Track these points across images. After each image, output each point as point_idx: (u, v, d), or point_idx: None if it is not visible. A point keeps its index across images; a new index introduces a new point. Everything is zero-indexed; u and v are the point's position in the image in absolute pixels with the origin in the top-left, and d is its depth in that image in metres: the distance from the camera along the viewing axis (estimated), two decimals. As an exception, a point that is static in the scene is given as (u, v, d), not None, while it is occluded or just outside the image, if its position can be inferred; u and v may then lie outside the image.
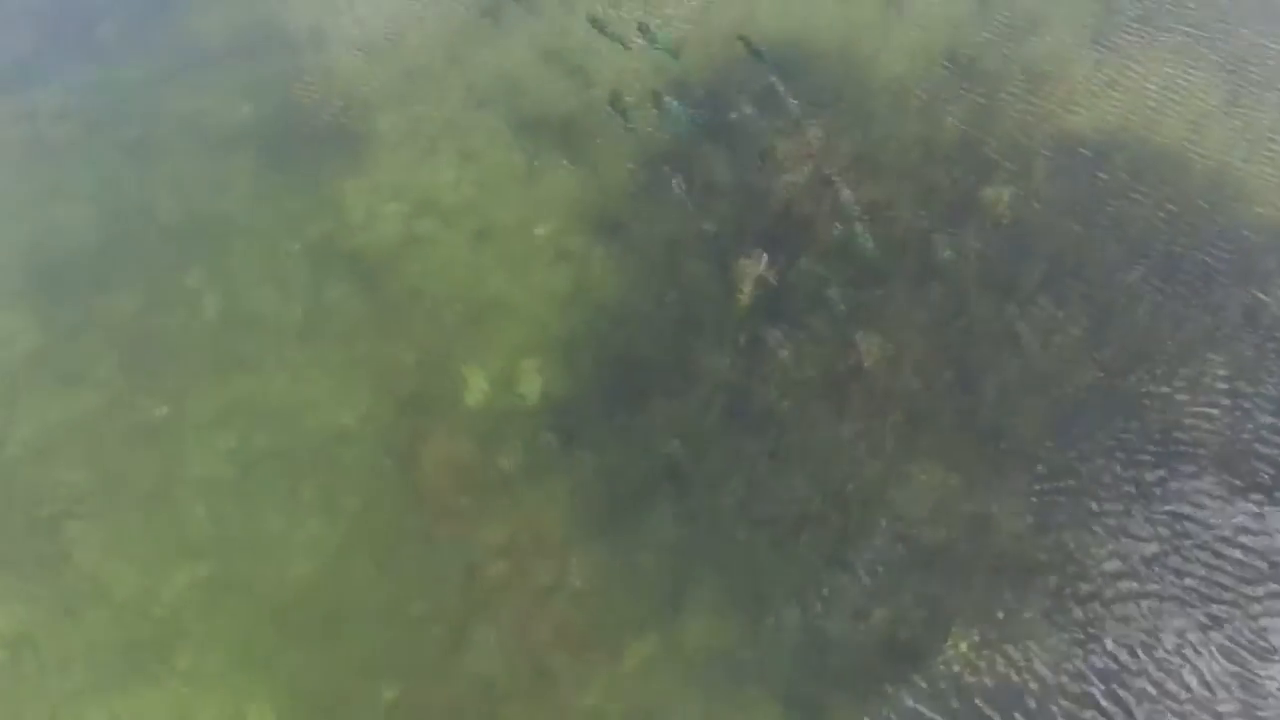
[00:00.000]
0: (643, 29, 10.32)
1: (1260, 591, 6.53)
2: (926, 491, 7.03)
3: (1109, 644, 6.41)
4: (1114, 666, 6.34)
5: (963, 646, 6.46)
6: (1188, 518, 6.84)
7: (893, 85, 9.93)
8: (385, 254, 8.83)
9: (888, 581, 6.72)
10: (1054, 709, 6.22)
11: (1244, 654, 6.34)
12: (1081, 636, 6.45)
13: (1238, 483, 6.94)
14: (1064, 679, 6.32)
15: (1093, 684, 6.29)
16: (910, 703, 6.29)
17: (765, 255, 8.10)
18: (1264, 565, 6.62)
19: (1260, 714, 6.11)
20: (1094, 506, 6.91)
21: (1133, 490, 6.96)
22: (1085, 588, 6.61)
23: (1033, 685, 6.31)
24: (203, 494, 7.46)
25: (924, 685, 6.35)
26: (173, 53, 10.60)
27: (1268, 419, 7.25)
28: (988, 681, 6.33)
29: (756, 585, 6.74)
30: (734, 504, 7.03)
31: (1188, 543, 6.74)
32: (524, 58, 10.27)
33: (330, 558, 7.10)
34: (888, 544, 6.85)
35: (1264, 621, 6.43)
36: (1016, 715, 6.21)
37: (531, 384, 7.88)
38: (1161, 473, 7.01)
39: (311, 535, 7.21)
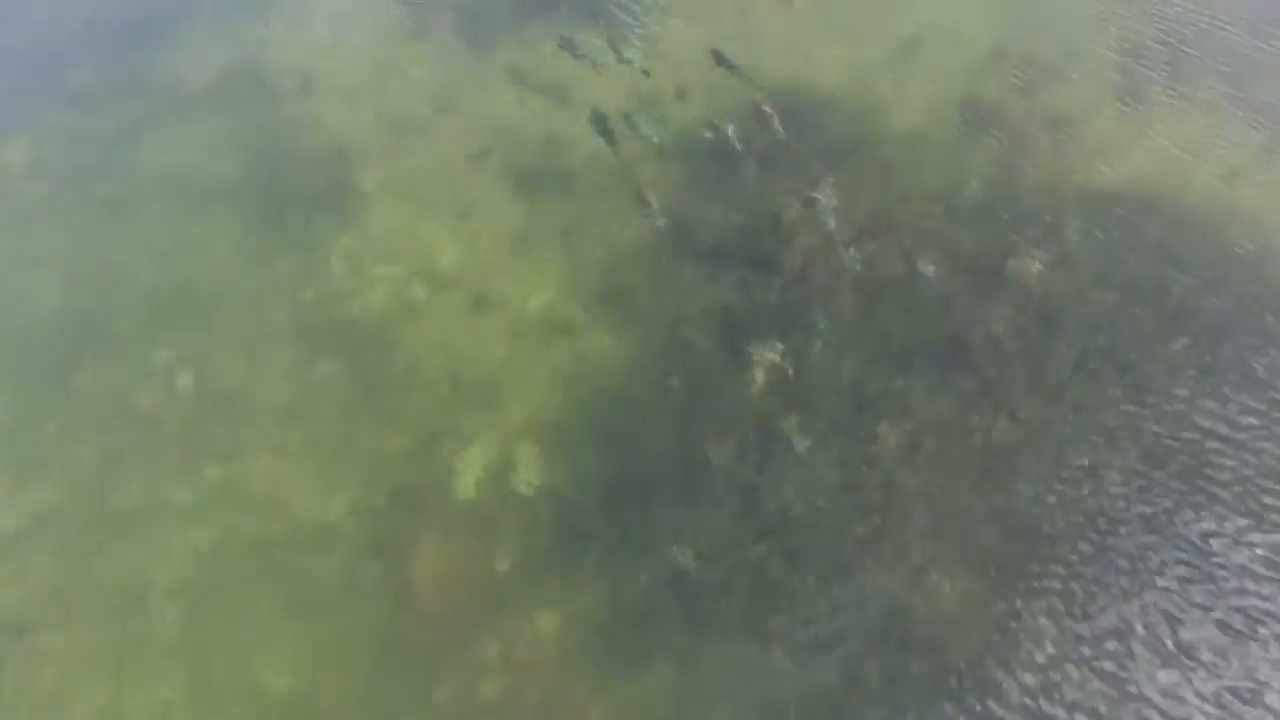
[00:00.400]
0: (646, 73, 9.79)
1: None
2: (952, 601, 6.51)
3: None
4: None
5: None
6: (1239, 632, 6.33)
7: (909, 136, 9.39)
8: (376, 325, 8.31)
9: (913, 702, 6.20)
10: None
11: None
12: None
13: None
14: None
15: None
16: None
17: (780, 344, 7.55)
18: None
19: None
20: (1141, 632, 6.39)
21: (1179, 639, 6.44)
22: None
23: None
24: (174, 598, 6.95)
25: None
26: (151, 99, 10.06)
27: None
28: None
29: (768, 712, 6.23)
30: (744, 618, 6.51)
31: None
32: (520, 106, 9.73)
33: (310, 672, 6.58)
34: (912, 662, 6.33)
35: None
36: None
37: (529, 473, 7.36)
38: (1212, 586, 6.49)
39: (291, 646, 6.69)
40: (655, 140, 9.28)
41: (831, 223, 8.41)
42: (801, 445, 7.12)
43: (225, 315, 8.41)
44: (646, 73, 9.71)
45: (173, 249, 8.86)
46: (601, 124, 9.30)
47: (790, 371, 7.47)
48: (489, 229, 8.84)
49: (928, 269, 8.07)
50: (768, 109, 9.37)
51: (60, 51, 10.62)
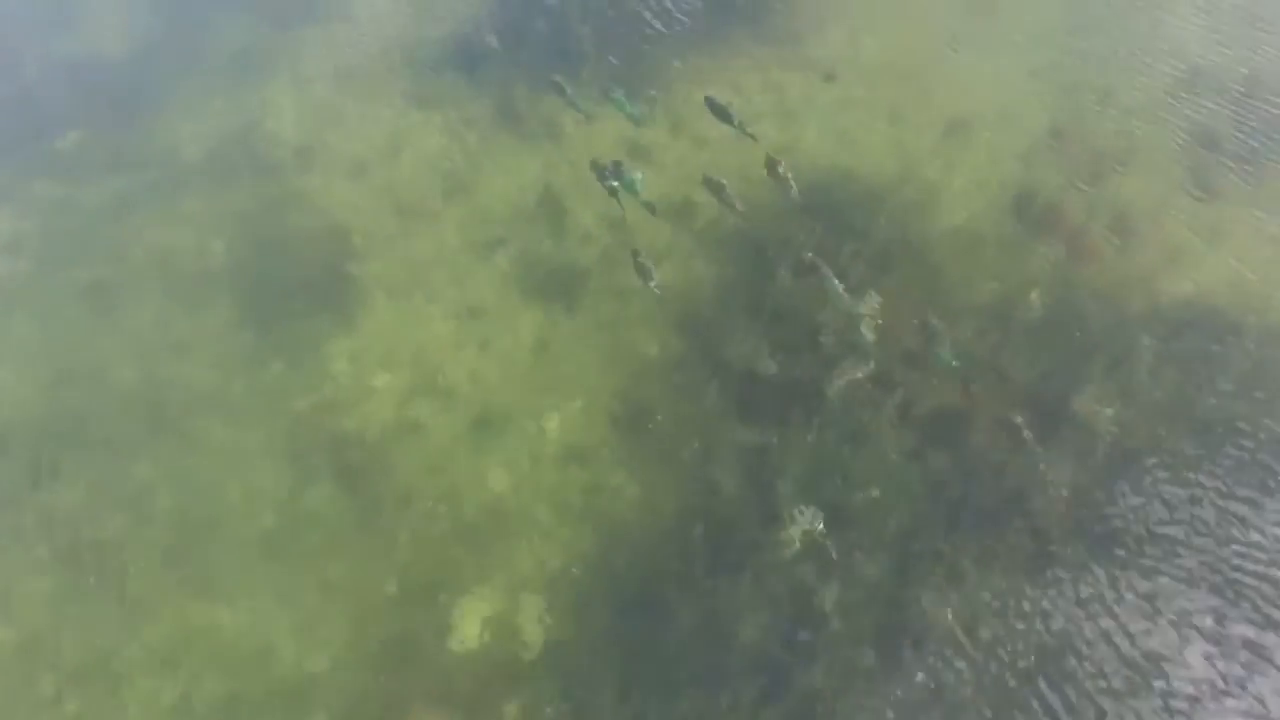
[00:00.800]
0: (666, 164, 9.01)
1: None
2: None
3: None
4: None
5: None
6: None
7: (959, 237, 8.58)
8: (373, 444, 7.61)
9: None
10: None
11: None
12: None
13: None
14: None
15: None
16: None
17: (816, 495, 6.78)
18: None
19: None
20: None
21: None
22: None
23: None
24: (138, 768, 6.28)
25: None
26: (142, 170, 9.39)
27: None
28: None
29: None
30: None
31: None
32: (536, 190, 8.98)
33: None
34: None
35: None
36: None
37: (532, 631, 6.64)
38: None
39: (263, 836, 6.01)
40: (684, 239, 8.51)
41: (874, 343, 7.62)
42: (837, 620, 6.35)
43: (210, 426, 7.73)
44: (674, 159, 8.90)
45: (157, 345, 8.19)
46: (623, 214, 8.53)
47: (825, 529, 6.69)
48: (499, 334, 8.11)
49: (982, 404, 7.27)
50: (782, 169, 8.47)
51: (49, 112, 9.97)
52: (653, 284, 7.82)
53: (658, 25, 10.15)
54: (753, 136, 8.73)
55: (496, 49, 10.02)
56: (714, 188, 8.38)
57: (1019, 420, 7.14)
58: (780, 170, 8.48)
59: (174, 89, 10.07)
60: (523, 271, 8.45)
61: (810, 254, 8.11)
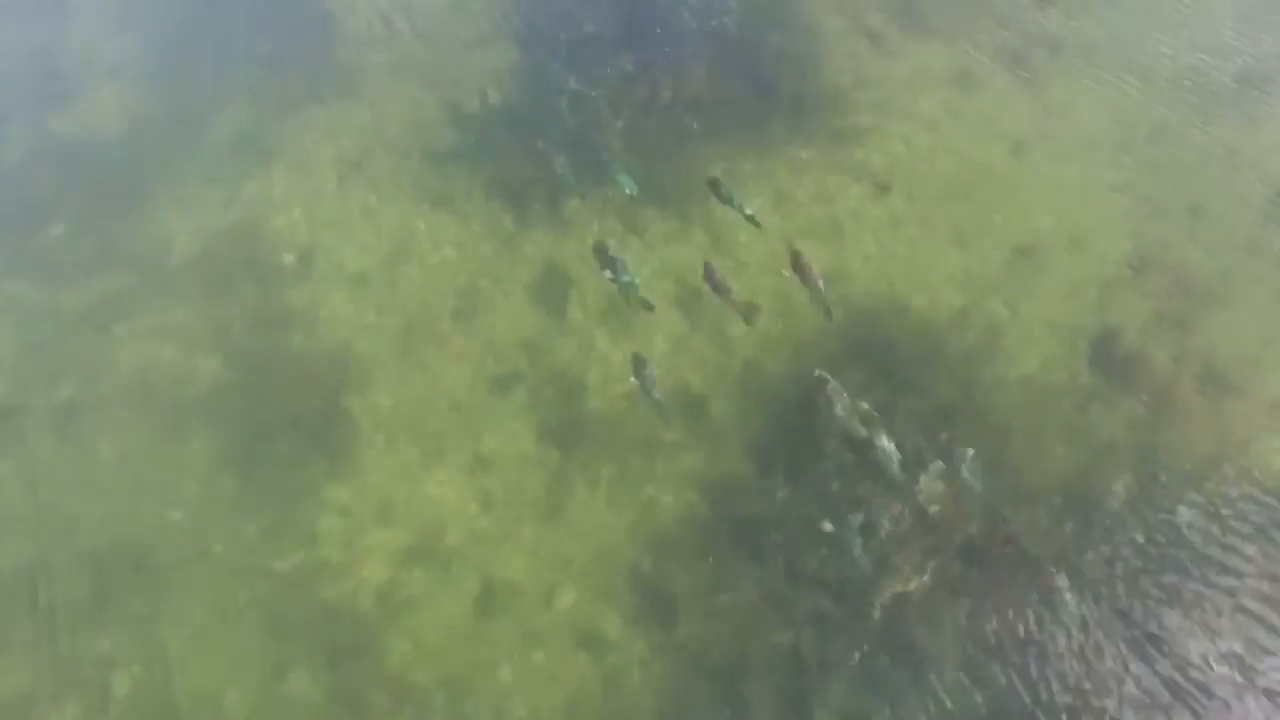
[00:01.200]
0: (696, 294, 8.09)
1: None
2: None
3: None
4: None
5: None
6: None
7: (1027, 391, 7.66)
8: (363, 618, 6.79)
9: None
10: None
11: None
12: None
13: None
14: None
15: None
16: None
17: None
18: None
19: None
20: None
21: None
22: None
23: None
24: None
25: None
26: (129, 270, 8.60)
27: None
28: None
29: None
30: None
31: None
32: (558, 316, 8.11)
33: None
34: None
35: None
36: None
37: None
38: None
39: None
40: (720, 372, 7.64)
41: (932, 530, 6.71)
42: None
43: (183, 592, 6.92)
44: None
45: (129, 487, 7.39)
46: (653, 352, 7.65)
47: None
48: (507, 490, 7.26)
49: (1056, 619, 6.33)
50: (815, 272, 7.62)
51: (35, 198, 9.19)
52: (655, 396, 7.09)
53: (694, 122, 9.24)
54: (756, 223, 7.93)
55: (519, 143, 9.11)
56: (714, 286, 7.61)
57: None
58: (806, 267, 7.61)
59: (169, 175, 9.26)
60: (539, 414, 7.59)
61: (865, 413, 7.20)
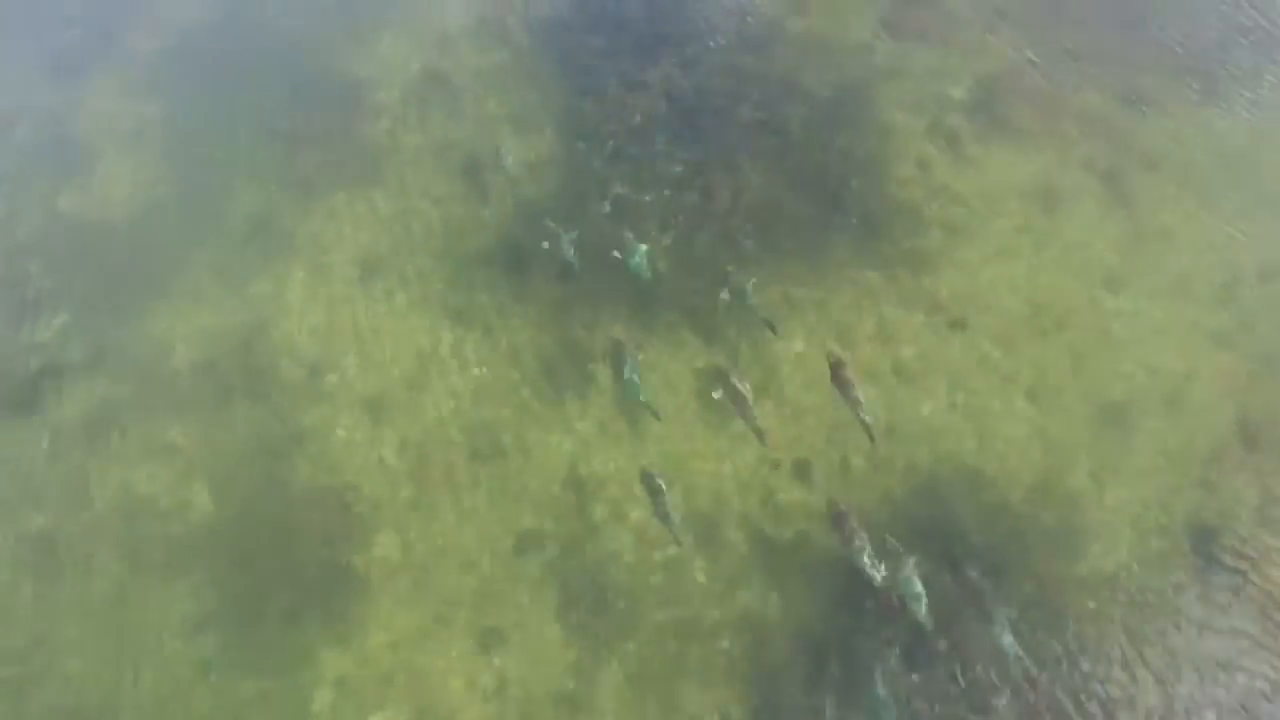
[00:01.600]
0: (761, 437, 7.24)
1: None
2: None
3: None
4: None
5: None
6: None
7: (1115, 593, 6.69)
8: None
9: None
10: None
11: None
12: None
13: None
14: None
15: None
16: None
17: None
18: None
19: None
20: None
21: None
22: None
23: None
24: None
25: None
26: (127, 375, 7.97)
27: None
28: None
29: None
30: None
31: None
32: (585, 469, 7.29)
33: None
34: None
35: None
36: None
37: None
38: None
39: None
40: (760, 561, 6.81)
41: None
42: None
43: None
44: (761, 436, 7.13)
45: (110, 639, 6.73)
46: (690, 518, 6.83)
47: None
48: (522, 676, 6.47)
49: None
50: (848, 375, 7.06)
51: (38, 285, 8.61)
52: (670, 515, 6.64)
53: (748, 242, 8.38)
54: (773, 328, 7.44)
55: (556, 252, 8.31)
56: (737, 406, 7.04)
57: None
58: (848, 381, 6.99)
59: (178, 265, 8.62)
60: (561, 583, 6.80)
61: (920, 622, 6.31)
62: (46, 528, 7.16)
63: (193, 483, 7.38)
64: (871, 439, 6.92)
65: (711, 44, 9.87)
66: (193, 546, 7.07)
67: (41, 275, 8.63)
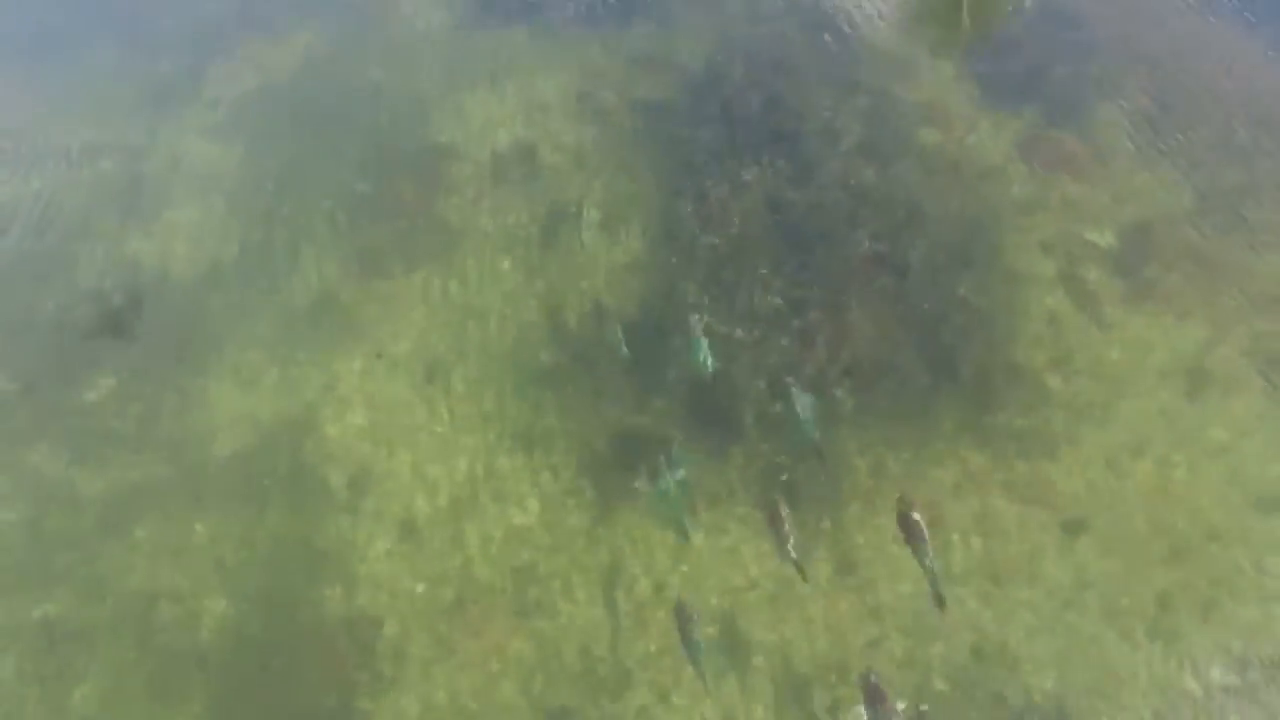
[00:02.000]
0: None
1: None
2: None
3: None
4: None
5: None
6: None
7: None
8: None
9: None
10: None
11: None
12: None
13: None
14: None
15: None
16: None
17: None
18: None
19: None
20: None
21: None
22: None
23: None
24: None
25: None
26: (163, 458, 7.56)
27: None
28: None
29: None
30: None
31: None
32: (626, 647, 6.52)
33: None
34: None
35: None
36: None
37: None
38: None
39: None
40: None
41: None
42: None
43: None
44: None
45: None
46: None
47: None
48: None
49: None
50: (919, 525, 6.23)
51: (87, 342, 8.25)
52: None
53: (849, 397, 7.46)
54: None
55: (629, 384, 7.55)
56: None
57: None
58: (918, 531, 6.20)
59: (233, 337, 8.17)
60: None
61: None
62: (55, 615, 6.78)
63: (209, 591, 6.90)
64: (942, 604, 6.11)
65: (831, 150, 8.93)
66: (200, 664, 6.60)
67: (94, 329, 8.27)
